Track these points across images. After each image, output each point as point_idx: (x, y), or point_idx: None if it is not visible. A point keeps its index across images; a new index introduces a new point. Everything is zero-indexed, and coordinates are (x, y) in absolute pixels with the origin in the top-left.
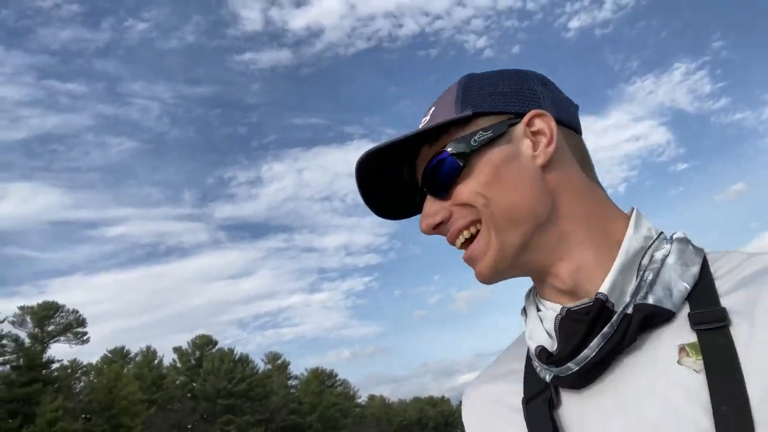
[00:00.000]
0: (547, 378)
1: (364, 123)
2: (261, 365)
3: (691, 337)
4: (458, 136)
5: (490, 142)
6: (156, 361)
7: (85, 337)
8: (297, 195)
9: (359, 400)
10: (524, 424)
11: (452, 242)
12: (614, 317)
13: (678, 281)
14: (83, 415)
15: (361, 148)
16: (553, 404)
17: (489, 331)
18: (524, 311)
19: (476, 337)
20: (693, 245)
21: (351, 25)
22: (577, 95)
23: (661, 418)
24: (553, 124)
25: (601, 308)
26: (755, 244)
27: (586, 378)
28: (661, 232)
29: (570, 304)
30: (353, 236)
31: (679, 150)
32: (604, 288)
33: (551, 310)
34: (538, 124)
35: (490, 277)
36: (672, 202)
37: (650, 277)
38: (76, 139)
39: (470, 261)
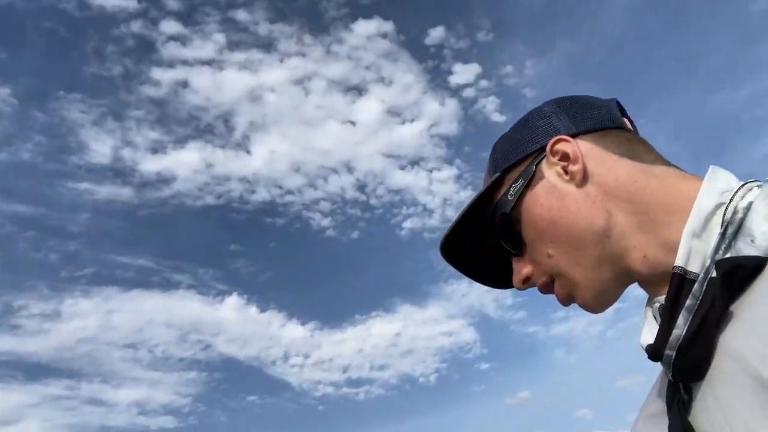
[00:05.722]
0: (669, 376)
1: (196, 274)
2: None
3: None
4: (498, 199)
5: (525, 188)
6: None
7: None
8: (98, 337)
9: None
10: None
11: (545, 293)
12: (695, 286)
13: (763, 223)
14: None
15: (186, 298)
16: (682, 402)
17: None
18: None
19: None
20: None
21: (204, 181)
22: (400, 285)
23: None
24: (573, 141)
25: (680, 282)
26: None
27: (689, 362)
28: (746, 182)
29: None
30: (153, 392)
31: (483, 350)
32: (679, 260)
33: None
34: (560, 149)
35: (599, 304)
36: (475, 398)
37: (731, 230)
38: None
39: (566, 302)
